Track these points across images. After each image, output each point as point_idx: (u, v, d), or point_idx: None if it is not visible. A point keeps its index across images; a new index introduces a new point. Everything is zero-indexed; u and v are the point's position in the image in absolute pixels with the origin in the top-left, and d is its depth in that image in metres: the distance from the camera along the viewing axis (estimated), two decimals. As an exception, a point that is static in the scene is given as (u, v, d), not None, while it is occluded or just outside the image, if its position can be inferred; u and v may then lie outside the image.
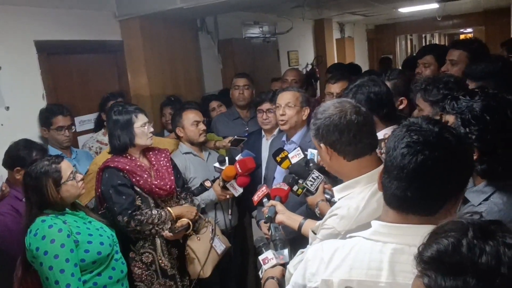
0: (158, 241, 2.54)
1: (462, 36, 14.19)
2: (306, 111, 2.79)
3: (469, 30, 13.86)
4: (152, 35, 3.99)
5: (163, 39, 4.12)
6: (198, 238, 2.72)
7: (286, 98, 2.75)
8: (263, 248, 1.82)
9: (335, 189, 1.57)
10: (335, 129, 1.47)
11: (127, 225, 2.44)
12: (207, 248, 2.72)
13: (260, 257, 1.78)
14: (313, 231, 1.65)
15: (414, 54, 12.24)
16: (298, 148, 2.40)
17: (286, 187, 2.23)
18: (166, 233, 2.50)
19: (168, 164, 2.69)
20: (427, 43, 15.24)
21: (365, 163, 1.50)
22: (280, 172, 2.77)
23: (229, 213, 2.99)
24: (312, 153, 2.39)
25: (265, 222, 1.98)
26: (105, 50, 3.80)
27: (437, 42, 16.33)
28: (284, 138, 2.87)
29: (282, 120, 2.74)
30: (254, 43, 5.76)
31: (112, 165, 2.48)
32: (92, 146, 3.30)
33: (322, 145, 1.52)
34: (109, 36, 3.80)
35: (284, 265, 1.74)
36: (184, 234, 2.61)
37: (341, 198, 1.53)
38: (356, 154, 1.49)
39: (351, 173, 1.51)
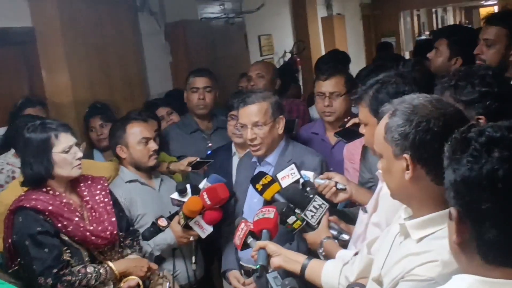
0: (96, 308, 2.51)
1: (486, 10, 14.71)
2: (281, 121, 2.83)
3: (492, 1, 14.39)
4: (75, 19, 3.96)
5: (90, 24, 4.09)
6: (151, 301, 2.68)
7: (251, 115, 2.78)
8: None
9: (409, 224, 1.54)
10: (437, 140, 1.43)
11: (52, 290, 2.40)
12: (163, 314, 2.69)
13: None
14: (376, 282, 1.63)
15: (424, 35, 12.65)
16: (293, 166, 2.42)
17: (272, 213, 2.23)
18: None
19: (106, 199, 2.66)
20: (439, 20, 15.76)
21: None
22: (251, 205, 2.78)
23: (193, 261, 2.95)
24: (306, 175, 2.40)
25: (258, 276, 1.96)
26: (9, 41, 3.73)
27: (451, 18, 16.91)
28: (255, 158, 2.90)
29: (254, 146, 2.79)
30: (213, 26, 5.78)
31: (28, 205, 2.43)
32: (2, 169, 3.19)
33: (406, 156, 1.49)
34: (14, 21, 3.74)
35: None
36: None
37: (424, 238, 1.51)
38: None
39: (434, 200, 1.48)
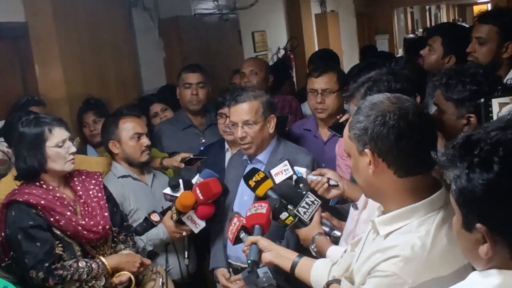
0: (88, 302, 2.53)
1: (479, 8, 14.72)
2: (273, 120, 2.84)
3: (485, -1, 14.43)
4: (68, 14, 3.95)
5: (84, 19, 4.08)
6: (144, 296, 2.68)
7: (242, 114, 2.79)
8: None
9: (378, 220, 1.58)
10: (392, 132, 1.49)
11: (44, 284, 2.39)
12: (156, 309, 2.69)
13: None
14: (347, 280, 1.65)
15: (417, 32, 12.68)
16: (286, 162, 2.43)
17: (264, 209, 2.24)
18: None
19: (100, 194, 2.66)
20: (432, 17, 15.80)
21: (421, 183, 1.53)
22: (241, 203, 2.79)
23: (186, 256, 2.96)
24: (299, 171, 2.41)
25: (250, 271, 1.97)
26: (2, 35, 3.74)
27: (444, 15, 16.95)
28: (246, 156, 2.91)
29: (244, 145, 2.80)
30: (207, 23, 5.77)
31: (20, 199, 2.43)
32: None
33: (367, 151, 1.53)
34: (8, 16, 3.73)
35: None
36: None
37: (391, 233, 1.54)
38: (411, 169, 1.52)
39: (400, 195, 1.53)
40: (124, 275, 2.55)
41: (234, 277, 2.84)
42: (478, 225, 1.13)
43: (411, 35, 10.79)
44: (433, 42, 3.35)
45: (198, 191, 2.67)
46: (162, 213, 2.87)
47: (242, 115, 2.78)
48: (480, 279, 1.19)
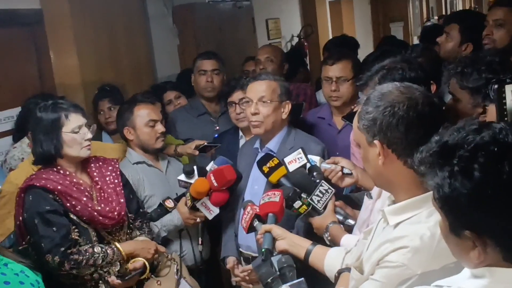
0: (102, 288, 2.54)
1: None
2: (287, 106, 2.81)
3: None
4: (83, 2, 3.95)
5: (99, 6, 4.08)
6: (158, 283, 2.67)
7: (259, 90, 2.76)
8: (273, 285, 1.83)
9: (387, 210, 1.58)
10: (401, 122, 1.49)
11: (59, 268, 2.41)
12: (171, 296, 2.71)
13: None
14: (357, 269, 1.65)
15: (432, 20, 12.53)
16: (300, 150, 2.42)
17: (277, 197, 2.24)
18: (113, 280, 2.48)
19: (117, 181, 2.68)
20: (448, 5, 15.59)
21: None
22: (252, 192, 2.78)
23: (199, 242, 2.98)
24: (312, 160, 2.41)
25: (264, 259, 1.98)
26: (18, 22, 3.75)
27: (460, 3, 16.72)
28: (257, 145, 2.89)
29: (255, 122, 2.76)
30: (221, 10, 5.77)
31: (38, 184, 2.45)
32: (23, 159, 3.19)
33: (376, 142, 1.53)
34: (23, 3, 3.74)
35: None
36: (138, 279, 2.59)
37: (401, 223, 1.54)
38: None
39: (409, 185, 1.53)
40: (139, 262, 2.58)
41: (243, 268, 2.84)
42: (467, 232, 1.12)
43: (429, 23, 10.66)
44: (450, 29, 3.32)
45: (212, 178, 2.68)
46: (177, 200, 2.89)
47: (259, 92, 2.76)
48: (472, 277, 1.18)
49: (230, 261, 2.90)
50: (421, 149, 1.21)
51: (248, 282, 2.80)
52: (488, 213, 1.09)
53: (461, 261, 1.23)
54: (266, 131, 2.78)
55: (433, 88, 2.63)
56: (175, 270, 2.75)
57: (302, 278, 1.80)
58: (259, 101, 2.74)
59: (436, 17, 13.39)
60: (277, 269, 1.87)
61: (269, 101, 2.74)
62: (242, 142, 3.33)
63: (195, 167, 2.82)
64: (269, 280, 1.85)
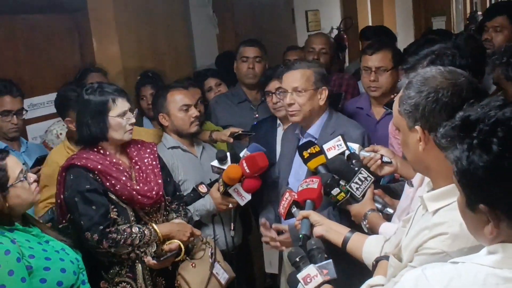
0: (139, 267, 2.56)
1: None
2: (324, 92, 2.78)
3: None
4: (125, -11, 4.01)
5: (140, -6, 4.14)
6: (193, 265, 2.71)
7: (293, 80, 2.75)
8: (301, 264, 1.83)
9: (426, 196, 1.56)
10: (445, 110, 1.46)
11: (98, 245, 2.45)
12: (204, 278, 2.72)
13: (300, 276, 1.78)
14: (395, 257, 1.64)
15: (476, 16, 12.24)
16: (339, 137, 2.40)
17: (316, 184, 2.23)
18: (149, 260, 2.51)
19: (155, 163, 2.71)
20: (492, 0, 15.18)
21: None
22: (297, 175, 2.77)
23: (232, 227, 2.98)
24: (352, 147, 2.39)
25: (301, 245, 1.97)
26: (62, 9, 3.82)
27: (505, -2, 16.29)
28: (297, 131, 2.88)
29: (291, 111, 2.75)
30: (261, 0, 5.73)
31: (79, 163, 2.50)
32: (61, 134, 3.30)
33: (417, 128, 1.51)
34: (67, -11, 3.81)
35: (330, 282, 1.75)
36: (173, 261, 2.61)
37: (439, 210, 1.51)
38: None
39: (449, 171, 1.47)
40: (174, 243, 2.60)
41: (276, 225, 2.72)
42: (482, 206, 1.12)
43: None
44: (499, 21, 3.25)
45: (244, 164, 2.68)
46: (210, 185, 2.91)
47: (293, 82, 2.74)
48: (487, 254, 1.18)
49: (264, 219, 2.83)
50: (444, 124, 1.21)
51: (277, 242, 2.72)
52: (503, 187, 1.09)
53: (476, 238, 1.23)
54: (304, 119, 2.77)
55: (478, 78, 2.58)
56: (210, 254, 2.78)
57: (330, 260, 1.81)
58: (293, 91, 2.73)
59: (479, 13, 13.07)
60: (306, 250, 1.88)
61: (303, 91, 2.72)
62: (279, 130, 3.32)
63: (228, 153, 2.83)
64: (297, 259, 1.85)
